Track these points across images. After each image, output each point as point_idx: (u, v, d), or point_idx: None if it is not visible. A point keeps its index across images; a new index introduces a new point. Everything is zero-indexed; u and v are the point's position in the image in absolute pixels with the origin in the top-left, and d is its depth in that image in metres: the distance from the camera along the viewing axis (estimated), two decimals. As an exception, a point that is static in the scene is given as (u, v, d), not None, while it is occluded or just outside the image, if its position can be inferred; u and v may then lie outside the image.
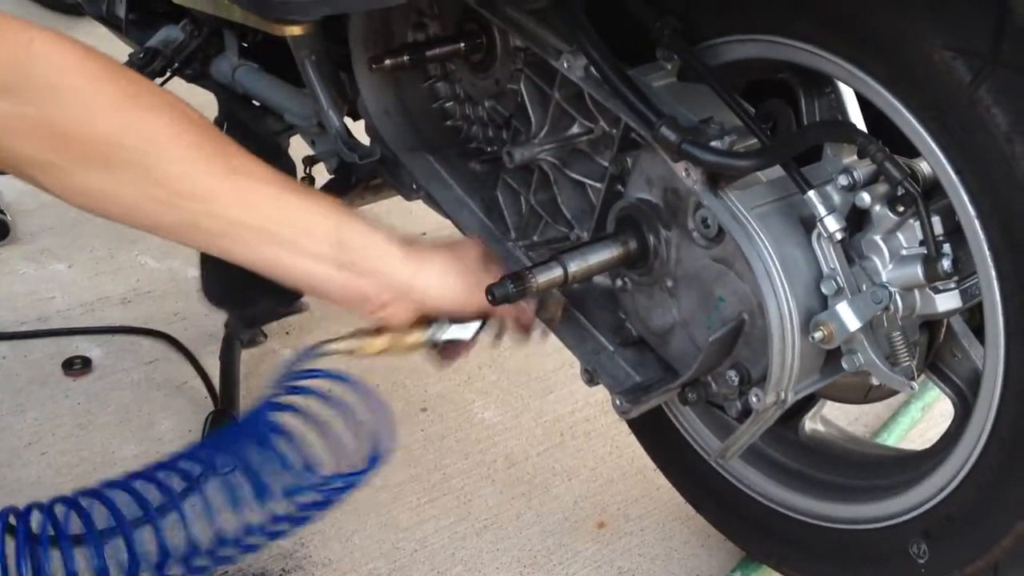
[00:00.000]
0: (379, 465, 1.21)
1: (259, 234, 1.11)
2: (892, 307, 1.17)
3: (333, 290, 1.19)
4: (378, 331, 1.26)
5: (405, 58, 1.51)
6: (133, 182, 1.04)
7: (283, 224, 1.12)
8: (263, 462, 1.17)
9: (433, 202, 1.62)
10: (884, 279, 1.17)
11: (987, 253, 1.08)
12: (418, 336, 1.27)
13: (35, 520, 1.21)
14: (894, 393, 1.31)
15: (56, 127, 1.00)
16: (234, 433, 1.27)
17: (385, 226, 1.24)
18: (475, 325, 1.29)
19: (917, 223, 1.14)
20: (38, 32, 1.01)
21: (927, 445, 1.39)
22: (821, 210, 1.16)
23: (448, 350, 1.32)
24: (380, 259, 1.20)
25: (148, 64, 2.04)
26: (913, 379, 1.20)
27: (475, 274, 1.26)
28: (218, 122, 1.98)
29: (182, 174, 1.05)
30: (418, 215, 2.48)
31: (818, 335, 1.19)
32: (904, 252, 1.16)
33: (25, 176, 1.04)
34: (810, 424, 1.50)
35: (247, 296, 1.74)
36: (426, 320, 1.28)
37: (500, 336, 1.36)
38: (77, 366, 2.04)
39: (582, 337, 1.43)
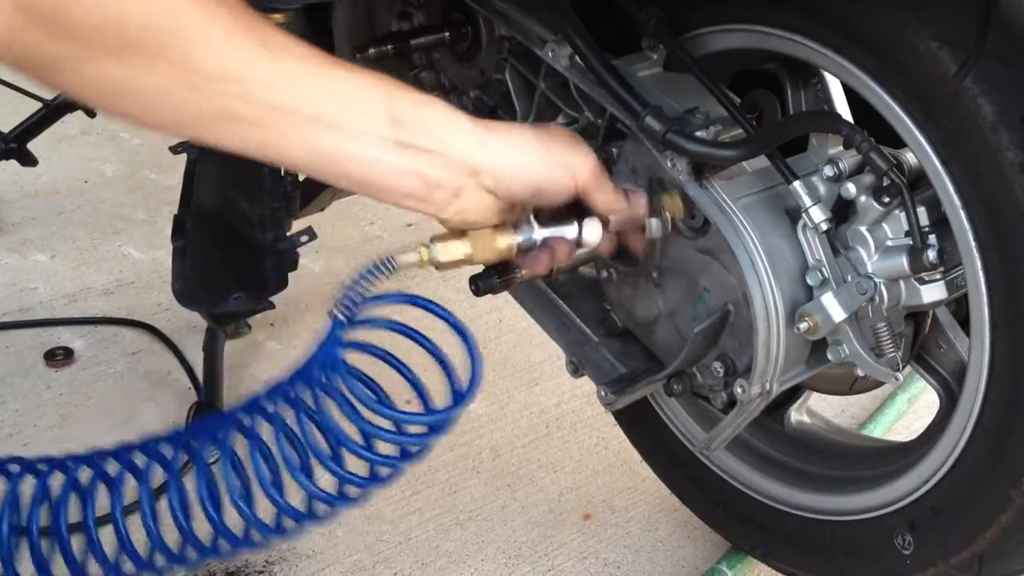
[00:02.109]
0: (470, 399, 1.04)
1: (300, 118, 0.94)
2: (877, 298, 1.17)
3: (392, 179, 0.99)
4: (459, 234, 1.05)
5: (390, 47, 1.50)
6: (156, 67, 0.90)
7: (327, 103, 0.95)
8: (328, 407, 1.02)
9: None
10: (869, 270, 1.17)
11: (972, 244, 1.08)
12: (509, 238, 1.06)
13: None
14: (880, 384, 1.30)
15: (71, 16, 0.85)
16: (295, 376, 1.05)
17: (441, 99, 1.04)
18: (574, 222, 1.09)
19: (902, 214, 1.14)
20: None
21: (913, 436, 1.38)
22: (806, 200, 1.16)
23: (551, 249, 1.10)
24: (444, 133, 1.00)
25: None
26: (898, 370, 1.20)
27: (558, 144, 1.06)
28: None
29: (211, 54, 0.90)
30: (404, 206, 2.48)
31: (803, 326, 1.18)
32: (889, 243, 1.16)
33: (43, 76, 0.90)
34: (796, 415, 1.50)
35: (216, 296, 1.72)
36: (514, 220, 1.08)
37: (610, 235, 1.13)
38: (59, 357, 2.03)
39: (567, 328, 1.43)
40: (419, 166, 0.99)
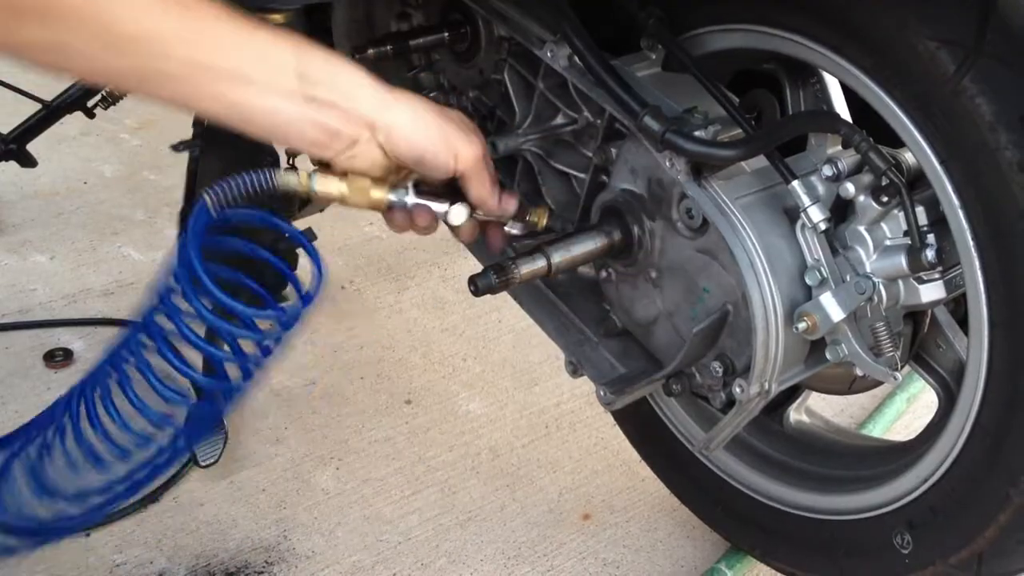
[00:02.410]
0: (315, 299, 1.13)
1: (217, 73, 1.03)
2: (876, 297, 1.17)
3: (298, 128, 1.08)
4: (341, 174, 1.14)
5: (388, 48, 1.51)
6: (80, 32, 0.97)
7: (242, 60, 1.04)
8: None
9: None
10: (868, 269, 1.17)
11: (971, 243, 1.08)
12: (382, 194, 1.16)
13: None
14: (878, 384, 1.30)
15: None
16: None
17: (348, 59, 1.13)
18: (446, 203, 1.18)
19: (901, 213, 1.14)
20: None
21: (912, 437, 1.39)
22: (805, 200, 1.16)
23: (413, 216, 1.20)
24: (348, 89, 1.09)
25: (130, 54, 2.03)
26: (897, 369, 1.20)
27: (453, 126, 1.15)
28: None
29: (130, 18, 0.98)
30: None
31: (802, 326, 1.18)
32: (888, 242, 1.16)
33: None
34: (795, 415, 1.50)
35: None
36: (396, 181, 1.17)
37: (471, 217, 1.22)
38: (59, 358, 2.03)
39: (566, 328, 1.43)
40: (322, 118, 1.08)
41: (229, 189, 1.08)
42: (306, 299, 1.13)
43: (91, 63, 1.00)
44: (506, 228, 1.26)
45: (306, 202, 1.84)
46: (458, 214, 1.19)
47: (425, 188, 1.18)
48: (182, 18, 1.00)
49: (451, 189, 1.18)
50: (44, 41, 0.97)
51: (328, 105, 1.08)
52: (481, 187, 1.19)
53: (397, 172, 1.16)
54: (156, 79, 1.02)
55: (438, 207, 1.18)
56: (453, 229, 1.23)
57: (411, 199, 1.17)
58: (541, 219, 1.28)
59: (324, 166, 1.15)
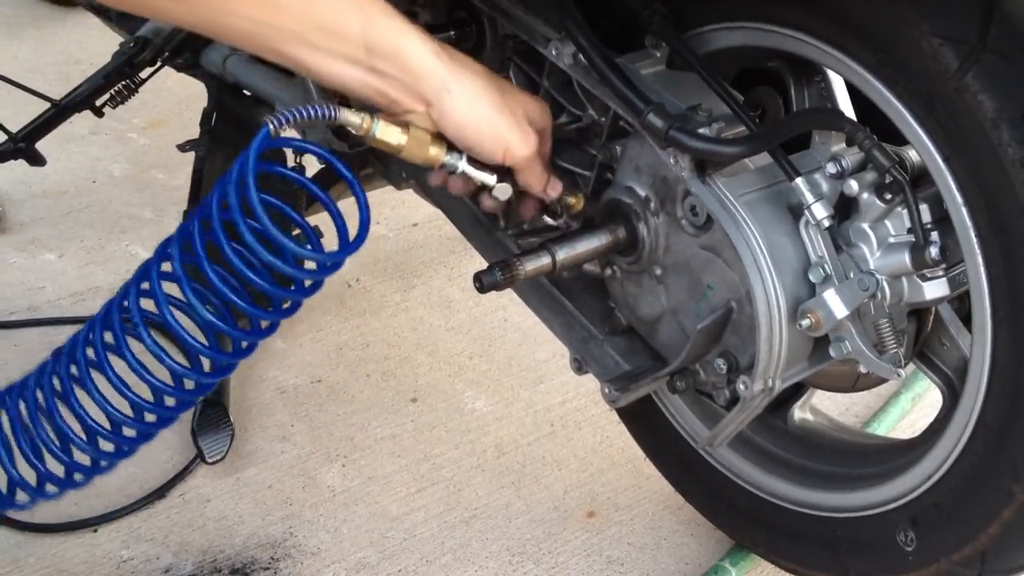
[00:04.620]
0: (357, 246, 1.15)
1: (285, 35, 1.06)
2: (879, 295, 1.17)
3: (359, 91, 1.12)
4: (403, 125, 1.16)
5: (394, 46, 1.51)
6: None
7: (309, 25, 1.06)
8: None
9: (423, 191, 1.62)
10: (872, 267, 1.17)
11: (974, 240, 1.08)
12: (438, 152, 1.18)
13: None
14: (883, 381, 1.30)
15: None
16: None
17: (416, 28, 1.15)
18: (493, 177, 1.21)
19: (905, 211, 1.14)
20: None
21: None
22: (809, 197, 1.16)
23: (458, 183, 1.24)
24: (411, 64, 1.11)
25: (139, 53, 2.04)
26: (900, 367, 1.20)
27: (509, 117, 1.17)
28: (208, 111, 1.98)
29: None
30: (410, 205, 2.49)
31: (805, 323, 1.19)
32: (892, 240, 1.16)
33: None
34: (799, 413, 1.50)
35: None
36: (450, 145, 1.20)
37: (513, 194, 1.25)
38: (67, 356, 2.04)
39: (571, 325, 1.43)
40: (384, 87, 1.11)
41: (292, 117, 1.09)
42: (350, 246, 1.14)
43: (161, 11, 1.05)
44: (544, 218, 1.33)
45: (312, 200, 1.84)
46: (503, 191, 1.23)
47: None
48: None
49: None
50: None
51: (391, 78, 1.10)
52: (530, 178, 1.22)
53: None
54: (228, 32, 1.06)
55: (487, 179, 1.21)
56: (491, 198, 1.26)
57: (463, 165, 1.19)
58: (578, 203, 1.32)
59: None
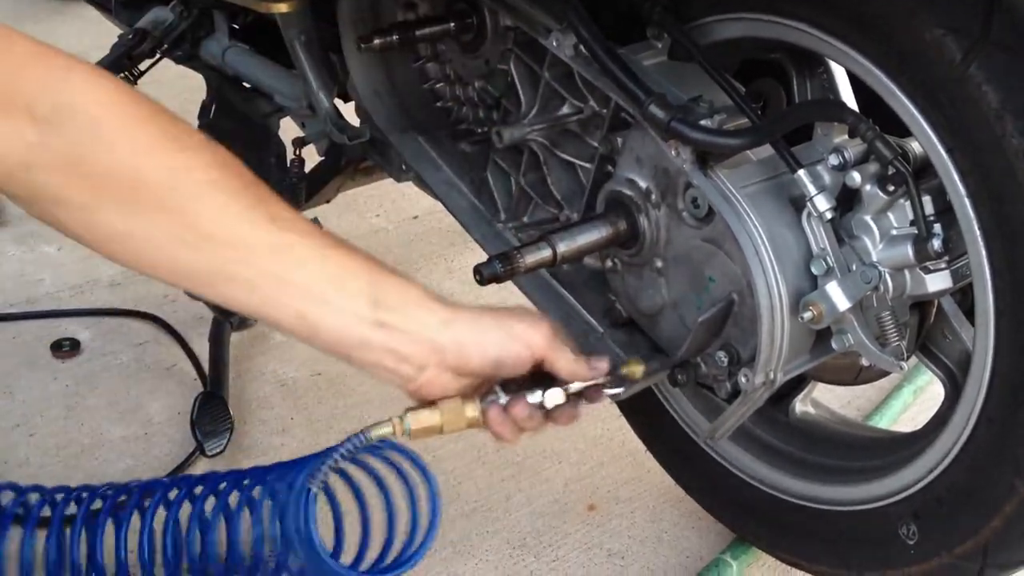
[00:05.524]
0: (412, 564, 1.13)
1: (293, 289, 1.03)
2: (882, 287, 1.16)
3: (367, 353, 1.08)
4: (430, 404, 1.12)
5: (394, 38, 1.50)
6: (164, 225, 0.98)
7: (320, 280, 1.04)
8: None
9: (423, 184, 1.62)
10: (874, 259, 1.17)
11: (977, 233, 1.08)
12: (476, 405, 1.12)
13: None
14: (885, 374, 1.30)
15: (86, 163, 0.94)
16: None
17: (419, 282, 1.13)
18: (538, 391, 1.14)
19: (907, 203, 1.13)
20: (79, 64, 0.96)
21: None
22: (811, 189, 1.16)
23: (512, 416, 1.15)
24: (417, 316, 1.09)
25: (137, 45, 2.03)
26: (903, 359, 1.19)
27: (512, 318, 1.13)
28: (207, 104, 1.98)
29: (219, 219, 1.00)
30: (410, 197, 2.48)
31: (807, 315, 1.18)
32: (894, 232, 1.16)
33: (44, 214, 0.98)
34: (801, 406, 1.50)
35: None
36: (483, 391, 1.14)
37: (575, 401, 1.17)
38: (66, 348, 2.04)
39: (572, 318, 1.43)
40: (392, 343, 1.07)
41: (329, 466, 1.08)
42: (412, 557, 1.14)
43: (158, 257, 1.00)
44: (605, 391, 1.19)
45: (312, 192, 1.84)
46: (554, 396, 1.15)
47: (512, 385, 1.14)
48: (269, 230, 1.01)
49: (536, 378, 1.14)
50: (129, 229, 0.98)
51: (399, 331, 1.07)
52: (566, 361, 1.15)
53: (482, 383, 1.14)
54: (224, 282, 1.02)
55: (532, 397, 1.14)
56: (556, 416, 1.17)
57: (503, 399, 1.13)
58: (636, 371, 1.22)
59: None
